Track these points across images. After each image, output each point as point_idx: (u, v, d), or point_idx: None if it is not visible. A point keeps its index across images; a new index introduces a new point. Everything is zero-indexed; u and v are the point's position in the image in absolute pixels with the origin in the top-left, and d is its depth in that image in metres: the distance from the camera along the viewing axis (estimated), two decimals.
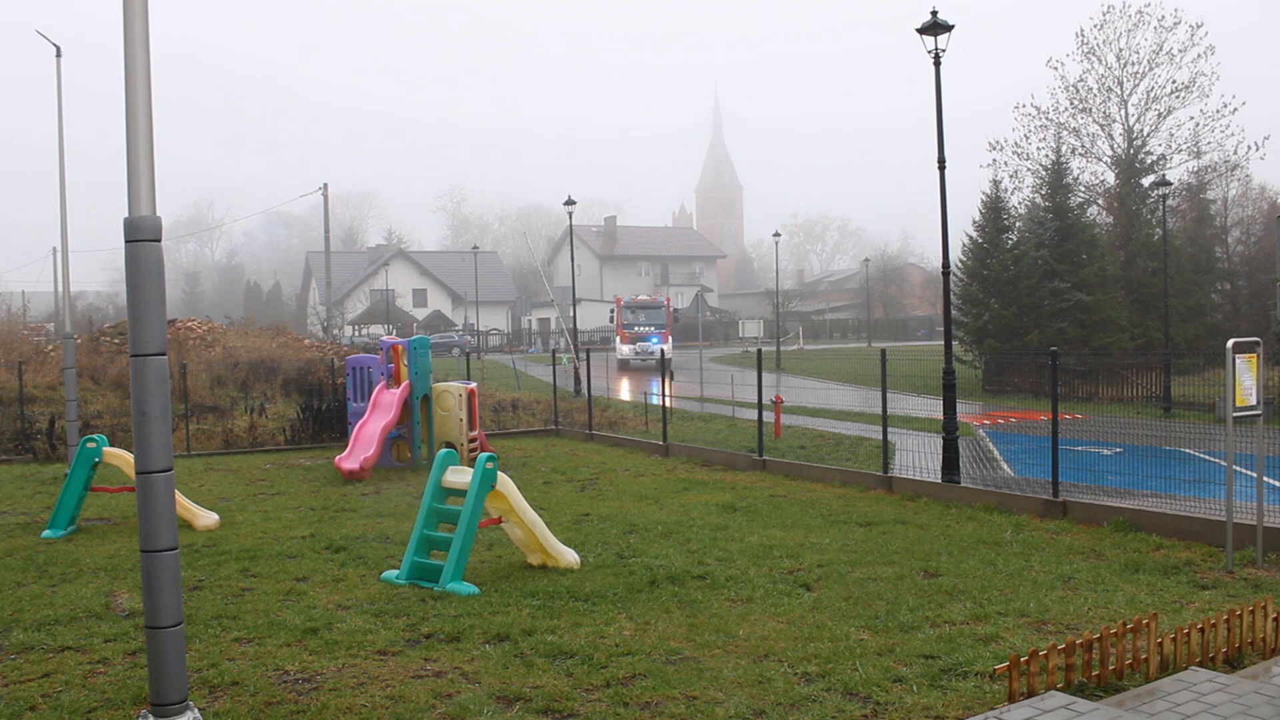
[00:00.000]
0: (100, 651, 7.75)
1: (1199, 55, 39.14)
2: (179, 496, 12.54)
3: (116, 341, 30.73)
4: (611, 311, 55.06)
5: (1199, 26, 39.23)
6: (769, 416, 20.40)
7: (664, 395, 21.75)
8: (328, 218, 53.57)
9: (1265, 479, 10.18)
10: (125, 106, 5.55)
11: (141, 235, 5.53)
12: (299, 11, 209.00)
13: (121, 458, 13.18)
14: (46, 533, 12.57)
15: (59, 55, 18.38)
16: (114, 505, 14.50)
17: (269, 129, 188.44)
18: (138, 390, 5.57)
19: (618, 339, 52.60)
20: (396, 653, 7.58)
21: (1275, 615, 7.34)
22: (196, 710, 5.94)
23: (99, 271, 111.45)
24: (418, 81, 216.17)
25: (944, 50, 15.20)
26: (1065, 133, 41.05)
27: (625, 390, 36.26)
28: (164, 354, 5.64)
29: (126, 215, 5.56)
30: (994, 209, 38.15)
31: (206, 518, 13.01)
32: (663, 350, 45.99)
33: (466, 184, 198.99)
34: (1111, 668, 6.59)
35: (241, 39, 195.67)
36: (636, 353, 49.44)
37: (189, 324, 36.60)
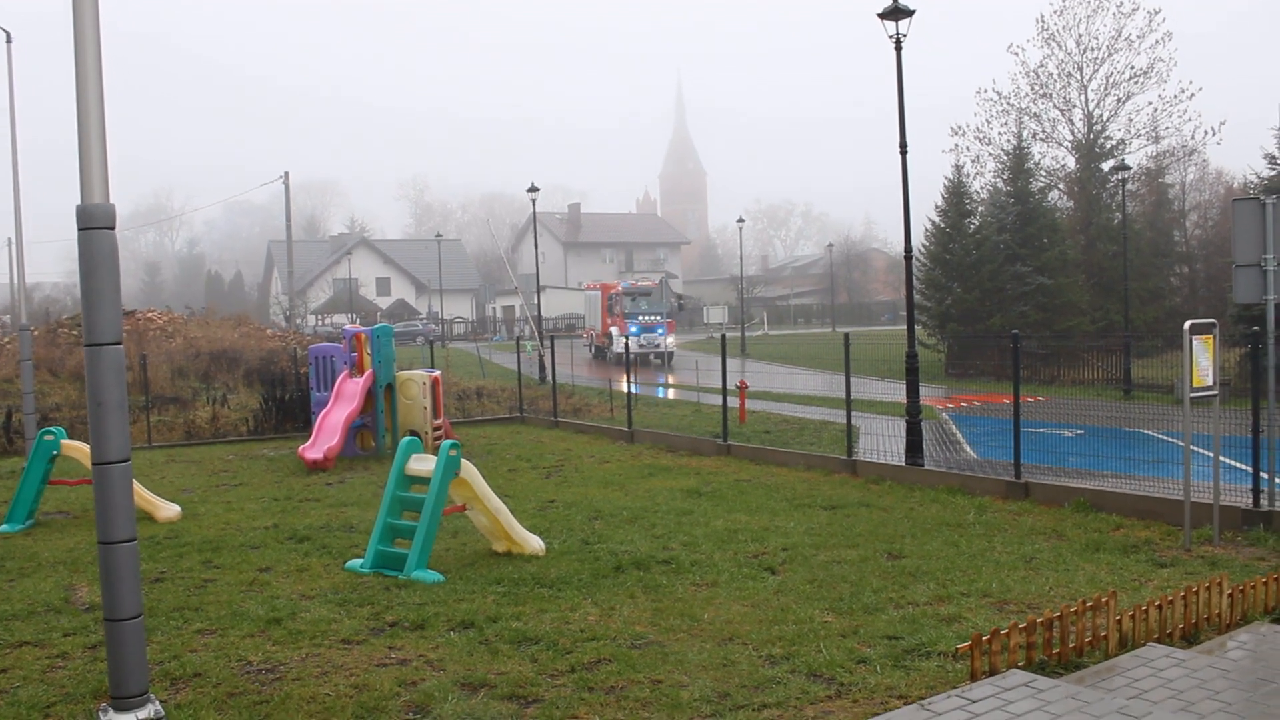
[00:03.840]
0: (59, 646, 7.66)
1: (1157, 41, 39.59)
2: (139, 488, 12.40)
3: (75, 333, 30.31)
4: (611, 299, 47.50)
5: (1157, 13, 39.67)
6: (734, 402, 20.45)
7: (629, 381, 21.76)
8: (289, 206, 53.10)
9: (1221, 459, 10.32)
10: (76, 91, 5.46)
11: (94, 223, 5.45)
12: None
13: (80, 450, 13.00)
14: (3, 527, 12.40)
15: (9, 41, 18.05)
16: (73, 498, 14.32)
17: (228, 115, 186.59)
18: (93, 380, 5.50)
19: (614, 330, 45.42)
20: (361, 641, 7.55)
21: (1230, 591, 7.46)
22: (158, 703, 5.89)
23: (56, 263, 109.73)
24: (378, 68, 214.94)
25: (905, 35, 15.27)
26: (1026, 118, 41.41)
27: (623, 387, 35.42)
28: (119, 343, 5.57)
29: (79, 203, 5.48)
30: (956, 194, 38.44)
31: (168, 509, 12.88)
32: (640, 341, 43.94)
33: (429, 171, 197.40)
34: (1072, 645, 6.67)
35: (200, 21, 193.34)
36: (641, 345, 43.33)
37: (149, 315, 36.17)
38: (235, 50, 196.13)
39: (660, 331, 44.54)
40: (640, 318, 45.38)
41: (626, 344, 24.26)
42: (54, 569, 10.25)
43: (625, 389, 21.68)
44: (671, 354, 44.59)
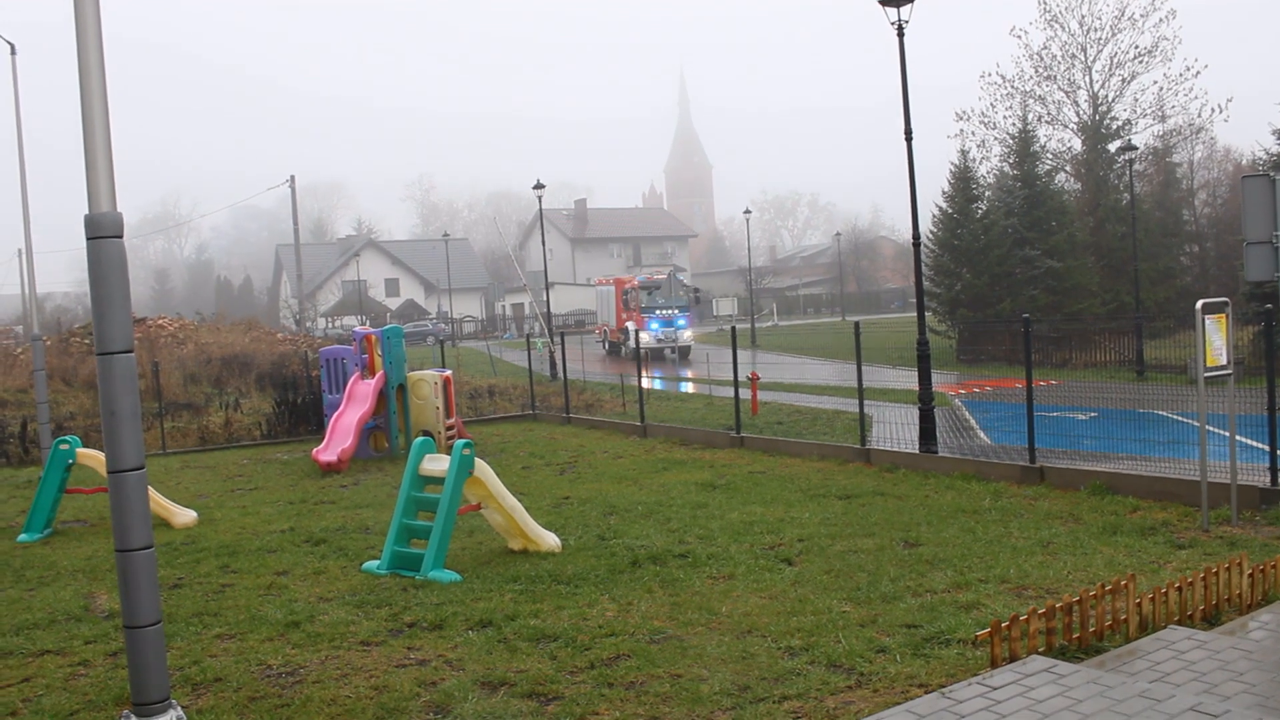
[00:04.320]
0: (80, 654, 7.69)
1: (1161, 20, 39.39)
2: (155, 495, 12.45)
3: (87, 342, 30.40)
4: (627, 294, 46.26)
5: None
6: (745, 393, 20.42)
7: (640, 376, 21.73)
8: (296, 210, 53.20)
9: (1238, 437, 10.26)
10: (80, 100, 5.46)
11: (102, 232, 5.44)
12: None
13: (95, 458, 13.04)
14: (22, 537, 12.46)
15: (13, 53, 18.09)
16: (90, 507, 14.37)
17: (232, 119, 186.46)
18: (105, 388, 5.50)
19: (630, 324, 43.35)
20: (379, 643, 7.56)
21: (1250, 571, 7.42)
22: (179, 708, 5.90)
23: (65, 272, 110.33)
24: (381, 68, 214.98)
25: (907, 21, 15.19)
26: (1031, 101, 41.28)
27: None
28: (130, 351, 5.57)
29: (86, 212, 5.48)
30: (963, 179, 38.29)
31: (184, 515, 12.92)
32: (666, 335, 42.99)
33: (435, 171, 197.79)
34: (1092, 630, 6.64)
35: (201, 26, 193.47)
36: (660, 340, 43.09)
37: (160, 322, 36.29)
38: (236, 54, 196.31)
39: (681, 324, 43.92)
40: (659, 311, 44.43)
41: (636, 336, 24.20)
42: (73, 577, 10.29)
43: (637, 384, 21.66)
44: (688, 348, 44.17)
